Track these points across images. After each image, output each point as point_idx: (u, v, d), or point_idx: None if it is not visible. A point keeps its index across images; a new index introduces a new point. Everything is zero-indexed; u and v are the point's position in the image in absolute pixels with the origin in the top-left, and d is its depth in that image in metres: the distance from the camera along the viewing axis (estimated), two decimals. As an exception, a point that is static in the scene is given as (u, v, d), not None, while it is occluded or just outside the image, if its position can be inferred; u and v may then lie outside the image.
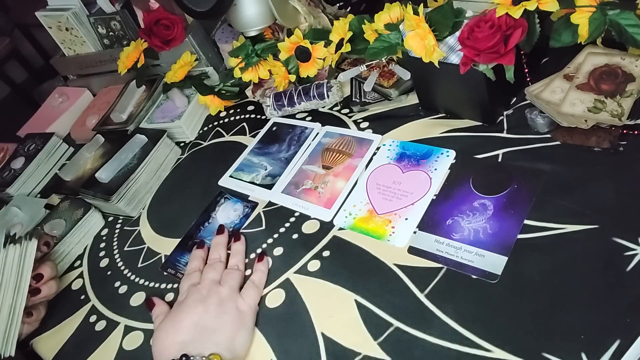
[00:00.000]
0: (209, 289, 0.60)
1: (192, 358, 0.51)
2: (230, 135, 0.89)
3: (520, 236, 0.53)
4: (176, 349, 0.54)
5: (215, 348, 0.53)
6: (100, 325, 0.69)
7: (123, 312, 0.69)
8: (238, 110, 0.94)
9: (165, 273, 0.71)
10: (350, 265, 0.60)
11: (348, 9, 0.98)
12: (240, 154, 0.83)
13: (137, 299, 0.70)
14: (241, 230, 0.71)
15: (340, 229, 0.64)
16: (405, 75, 0.72)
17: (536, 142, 0.61)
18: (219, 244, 0.69)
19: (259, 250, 0.67)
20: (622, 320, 0.44)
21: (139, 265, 0.75)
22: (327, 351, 0.53)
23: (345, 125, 0.78)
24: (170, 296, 0.68)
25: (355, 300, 0.56)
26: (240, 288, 0.62)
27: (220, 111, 0.94)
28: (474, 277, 0.53)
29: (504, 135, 0.64)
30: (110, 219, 0.86)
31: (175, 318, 0.58)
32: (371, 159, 0.70)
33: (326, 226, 0.65)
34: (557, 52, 0.58)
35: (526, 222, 0.54)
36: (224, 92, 0.93)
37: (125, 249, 0.79)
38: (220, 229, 0.70)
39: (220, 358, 0.52)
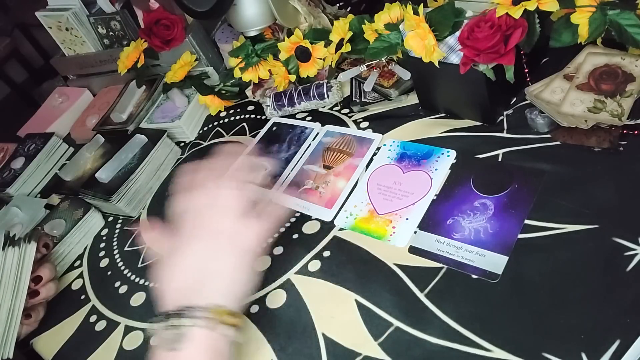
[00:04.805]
0: (206, 219, 0.51)
1: (193, 310, 0.45)
2: (230, 135, 0.89)
3: (520, 236, 0.53)
4: (175, 297, 0.47)
5: (215, 297, 0.47)
6: (101, 325, 0.69)
7: (123, 312, 0.69)
8: (238, 110, 0.94)
9: (165, 273, 0.71)
10: (350, 265, 0.60)
11: (348, 9, 0.97)
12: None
13: (137, 299, 0.70)
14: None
15: (341, 229, 0.64)
16: (405, 75, 0.72)
17: (536, 142, 0.61)
18: (227, 152, 0.57)
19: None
20: (622, 320, 0.44)
21: (139, 265, 0.75)
22: (327, 352, 0.53)
23: (346, 125, 0.78)
24: (170, 296, 0.68)
25: (356, 301, 0.56)
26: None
27: (220, 111, 0.94)
28: (474, 276, 0.53)
29: (504, 135, 0.64)
30: (110, 219, 0.86)
31: (174, 258, 0.50)
32: (372, 159, 0.71)
33: (327, 226, 0.65)
34: (557, 52, 0.58)
35: (526, 221, 0.54)
36: (224, 92, 0.93)
37: (126, 249, 0.79)
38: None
39: (221, 310, 0.46)
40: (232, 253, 0.49)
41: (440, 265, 0.55)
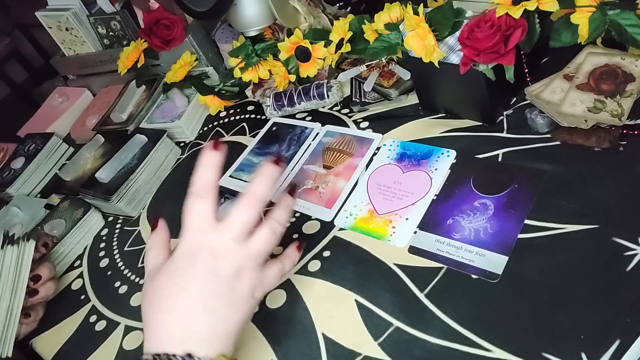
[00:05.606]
0: (230, 251, 0.45)
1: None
2: (230, 135, 0.89)
3: (520, 236, 0.53)
4: (178, 334, 0.43)
5: (222, 345, 0.43)
6: (100, 325, 0.69)
7: (123, 312, 0.69)
8: (238, 110, 0.94)
9: (165, 273, 0.71)
10: (350, 265, 0.60)
11: (348, 9, 0.98)
12: (240, 154, 0.83)
13: (137, 299, 0.70)
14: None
15: (341, 229, 0.64)
16: (405, 75, 0.72)
17: (536, 142, 0.61)
18: (271, 176, 0.47)
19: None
20: (622, 320, 0.44)
21: (139, 265, 0.75)
22: (327, 352, 0.53)
23: (346, 125, 0.78)
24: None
25: (356, 300, 0.56)
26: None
27: (220, 111, 0.94)
28: (474, 276, 0.53)
29: (504, 135, 0.64)
30: (110, 219, 0.86)
31: (181, 287, 0.44)
32: (372, 159, 0.71)
33: (327, 226, 0.65)
34: (557, 52, 0.58)
35: (526, 221, 0.54)
36: (224, 92, 0.93)
37: (126, 249, 0.79)
38: (277, 159, 0.48)
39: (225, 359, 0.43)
40: (247, 303, 0.45)
41: (440, 265, 0.55)
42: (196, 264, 0.45)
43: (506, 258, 0.52)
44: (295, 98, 0.82)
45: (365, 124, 0.76)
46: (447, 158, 0.65)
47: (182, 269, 0.45)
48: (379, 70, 0.78)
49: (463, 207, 0.59)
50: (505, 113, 0.66)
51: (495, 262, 0.53)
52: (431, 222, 0.59)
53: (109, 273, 0.77)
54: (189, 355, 0.41)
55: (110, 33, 1.08)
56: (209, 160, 0.47)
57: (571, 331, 0.45)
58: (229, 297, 0.44)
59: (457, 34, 0.60)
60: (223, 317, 0.44)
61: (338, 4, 1.00)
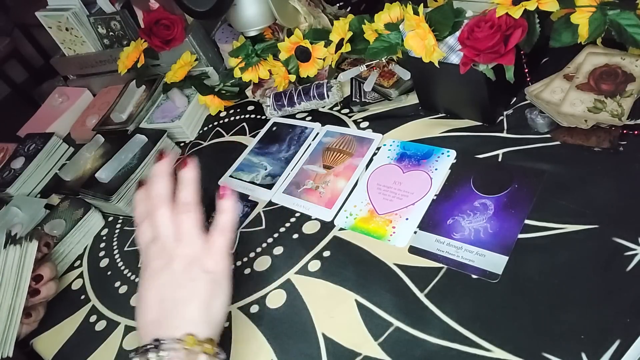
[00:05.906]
0: (169, 249, 0.51)
1: (163, 343, 0.45)
2: (230, 135, 0.89)
3: (520, 236, 0.53)
4: (147, 331, 0.48)
5: (187, 325, 0.47)
6: (100, 325, 0.69)
7: (123, 312, 0.69)
8: (238, 110, 0.94)
9: (165, 273, 0.71)
10: (350, 265, 0.60)
11: (348, 9, 0.97)
12: (240, 154, 0.83)
13: (138, 299, 0.70)
14: (240, 230, 0.71)
15: (341, 229, 0.64)
16: (405, 75, 0.72)
17: (536, 142, 0.61)
18: (161, 173, 0.54)
19: (258, 250, 0.67)
20: (622, 320, 0.44)
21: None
22: (327, 351, 0.53)
23: (346, 125, 0.78)
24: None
25: (356, 300, 0.56)
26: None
27: (220, 111, 0.94)
28: (474, 276, 0.53)
29: (504, 135, 0.64)
30: (110, 219, 0.86)
31: (141, 293, 0.51)
32: (372, 159, 0.71)
33: (327, 226, 0.65)
34: (557, 52, 0.58)
35: (526, 221, 0.54)
36: (224, 92, 0.93)
37: (126, 249, 0.79)
38: (160, 154, 0.56)
39: (194, 339, 0.46)
40: (198, 278, 0.50)
41: (440, 265, 0.55)
42: (146, 273, 0.51)
43: (506, 258, 0.52)
44: (295, 98, 0.82)
45: (365, 124, 0.76)
46: (447, 158, 0.65)
47: (141, 283, 0.52)
48: (379, 70, 0.78)
49: (463, 207, 0.59)
50: (505, 113, 0.66)
51: (495, 262, 0.53)
52: (431, 222, 0.59)
53: (109, 273, 0.77)
54: (156, 340, 0.46)
55: (110, 33, 1.08)
56: (135, 202, 0.56)
57: (571, 331, 0.45)
58: (177, 283, 0.49)
59: (457, 34, 0.60)
60: (179, 301, 0.49)
61: (338, 4, 1.00)
